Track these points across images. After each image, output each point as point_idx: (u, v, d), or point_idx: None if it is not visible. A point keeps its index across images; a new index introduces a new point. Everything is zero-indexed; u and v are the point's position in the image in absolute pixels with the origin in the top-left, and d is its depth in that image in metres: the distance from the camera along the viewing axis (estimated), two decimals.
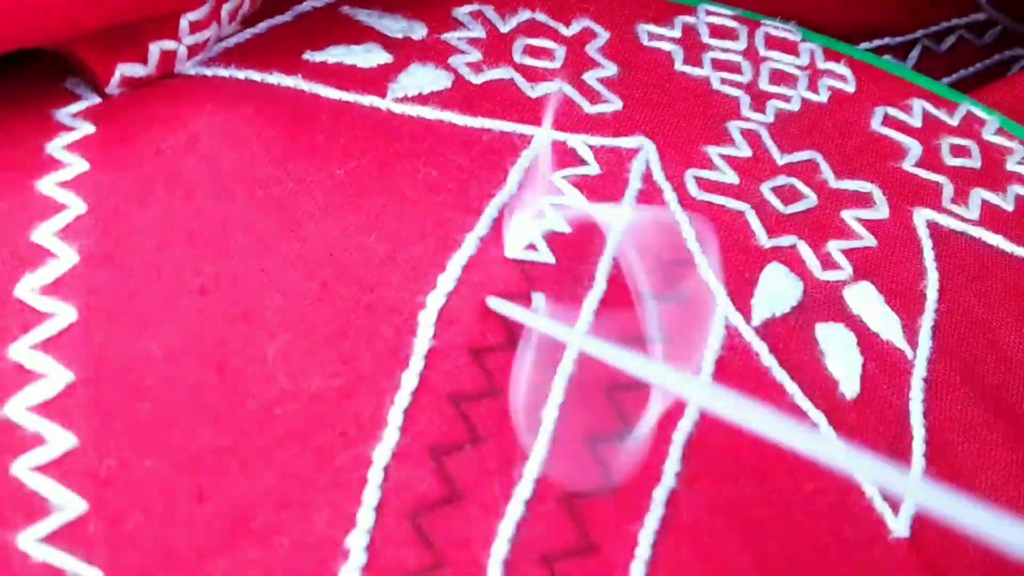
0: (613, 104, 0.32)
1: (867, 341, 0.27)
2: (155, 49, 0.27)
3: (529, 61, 0.32)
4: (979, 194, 0.31)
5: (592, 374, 0.24)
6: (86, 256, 0.24)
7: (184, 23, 0.28)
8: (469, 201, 0.26)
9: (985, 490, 0.26)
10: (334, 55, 0.29)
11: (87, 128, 0.26)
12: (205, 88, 0.28)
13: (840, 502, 0.24)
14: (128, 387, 0.22)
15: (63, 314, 0.23)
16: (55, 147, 0.26)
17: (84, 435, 0.21)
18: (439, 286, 0.24)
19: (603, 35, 0.34)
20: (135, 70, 0.27)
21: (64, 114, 0.27)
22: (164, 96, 0.27)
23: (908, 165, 0.31)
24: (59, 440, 0.21)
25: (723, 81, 0.33)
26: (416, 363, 0.23)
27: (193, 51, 0.28)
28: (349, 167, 0.26)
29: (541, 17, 0.34)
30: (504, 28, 0.33)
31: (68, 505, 0.20)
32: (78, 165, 0.25)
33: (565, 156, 0.29)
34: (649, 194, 0.29)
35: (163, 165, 0.25)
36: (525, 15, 0.34)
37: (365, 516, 0.21)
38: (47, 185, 0.25)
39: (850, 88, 0.33)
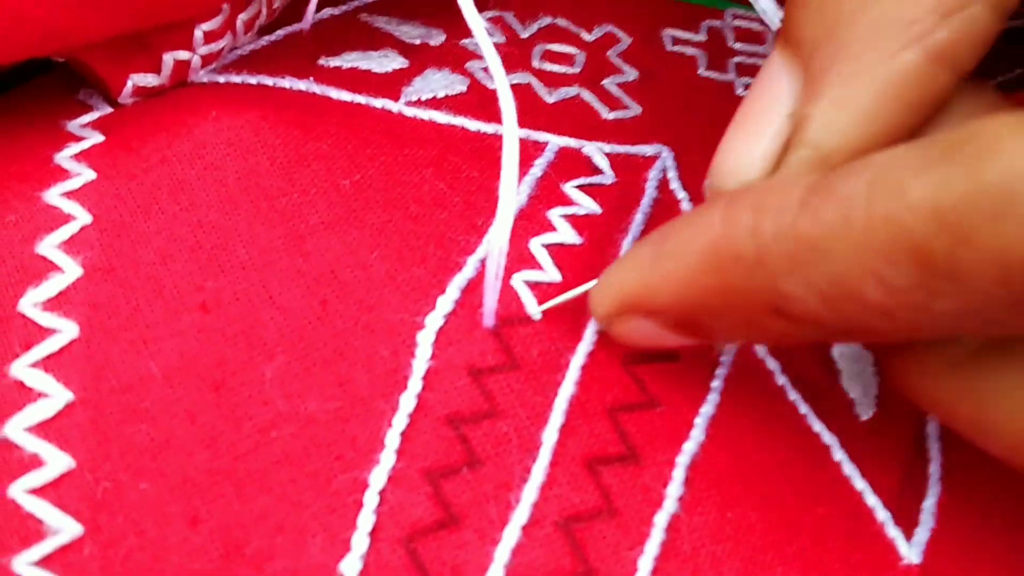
0: (632, 110, 0.31)
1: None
2: (168, 59, 0.27)
3: (548, 66, 0.32)
4: None
5: (594, 395, 0.23)
6: (90, 269, 0.23)
7: (198, 33, 0.27)
8: (474, 218, 0.26)
9: (1002, 515, 0.25)
10: (349, 60, 0.29)
11: (96, 138, 0.26)
12: (215, 94, 0.28)
13: (850, 528, 0.23)
14: (126, 408, 0.22)
15: (65, 330, 0.22)
16: (63, 157, 0.26)
17: (81, 457, 0.21)
18: (438, 308, 0.23)
19: (625, 40, 0.33)
20: (148, 80, 0.27)
21: (75, 125, 0.27)
22: (174, 103, 0.27)
23: None
24: (57, 462, 0.21)
25: (747, 87, 0.32)
26: (414, 385, 0.22)
27: (207, 60, 0.28)
28: (355, 178, 0.25)
29: (562, 22, 0.33)
30: (524, 34, 0.33)
31: (64, 528, 0.20)
32: (85, 175, 0.25)
33: (579, 164, 0.29)
34: (665, 203, 0.28)
35: (168, 174, 0.25)
36: (546, 20, 0.33)
37: (360, 541, 0.20)
38: (53, 196, 0.25)
39: None
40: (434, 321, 0.23)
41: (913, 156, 0.18)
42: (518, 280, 0.24)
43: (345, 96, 0.28)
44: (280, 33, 0.31)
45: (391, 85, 0.29)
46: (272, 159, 0.26)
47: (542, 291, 0.25)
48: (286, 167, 0.25)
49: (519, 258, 0.25)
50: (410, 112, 0.28)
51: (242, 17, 0.28)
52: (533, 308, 0.24)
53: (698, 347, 0.24)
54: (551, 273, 0.25)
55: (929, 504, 0.24)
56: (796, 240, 0.19)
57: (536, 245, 0.25)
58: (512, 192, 0.22)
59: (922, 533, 0.24)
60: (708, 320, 0.21)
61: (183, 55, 0.27)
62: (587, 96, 0.31)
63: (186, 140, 0.26)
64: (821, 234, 0.18)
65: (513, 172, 0.22)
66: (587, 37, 0.33)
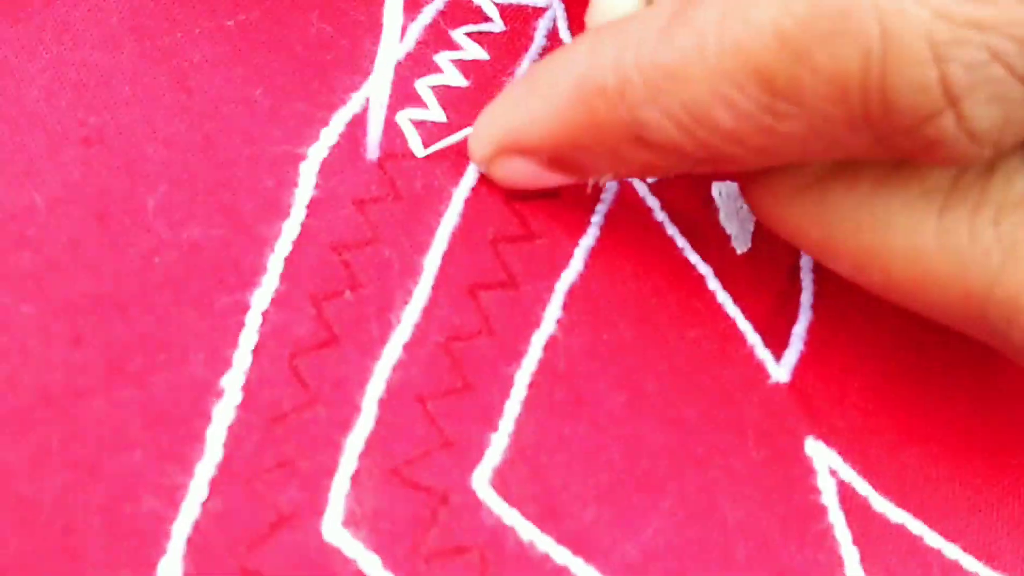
0: None
1: None
2: None
3: None
4: None
5: (477, 227, 0.24)
6: None
7: None
8: (360, 60, 0.26)
9: (869, 340, 0.26)
10: None
11: None
12: None
13: (722, 349, 0.24)
14: (10, 236, 0.22)
15: None
16: None
17: None
18: (322, 139, 0.24)
19: None
20: None
21: None
22: None
23: None
24: None
25: None
26: (298, 213, 0.23)
27: None
28: (239, 19, 0.25)
29: None
30: None
31: None
32: None
33: (469, 12, 0.29)
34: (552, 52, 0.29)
35: (52, 16, 0.25)
36: None
37: (241, 358, 0.21)
38: None
39: None
40: (317, 152, 0.23)
41: None
42: (403, 117, 0.25)
43: None
44: None
45: None
46: (156, 1, 0.25)
47: (427, 130, 0.25)
48: (170, 9, 0.25)
49: (405, 97, 0.25)
50: None
51: None
52: (417, 147, 0.25)
53: (575, 186, 0.24)
54: (436, 113, 0.25)
55: (799, 329, 0.26)
56: (654, 69, 0.19)
57: (422, 86, 0.26)
58: (396, 23, 0.22)
59: (791, 355, 0.25)
60: (579, 155, 0.22)
61: None
62: None
63: None
64: (676, 62, 0.19)
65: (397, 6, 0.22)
66: None
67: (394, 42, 0.22)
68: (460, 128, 0.25)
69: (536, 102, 0.22)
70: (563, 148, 0.22)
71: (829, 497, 0.23)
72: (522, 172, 0.23)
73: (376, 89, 0.23)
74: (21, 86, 0.24)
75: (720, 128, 0.19)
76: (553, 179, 0.23)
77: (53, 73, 0.24)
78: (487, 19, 0.29)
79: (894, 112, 0.18)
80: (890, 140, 0.19)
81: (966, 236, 0.20)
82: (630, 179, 0.26)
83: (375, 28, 0.27)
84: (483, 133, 0.23)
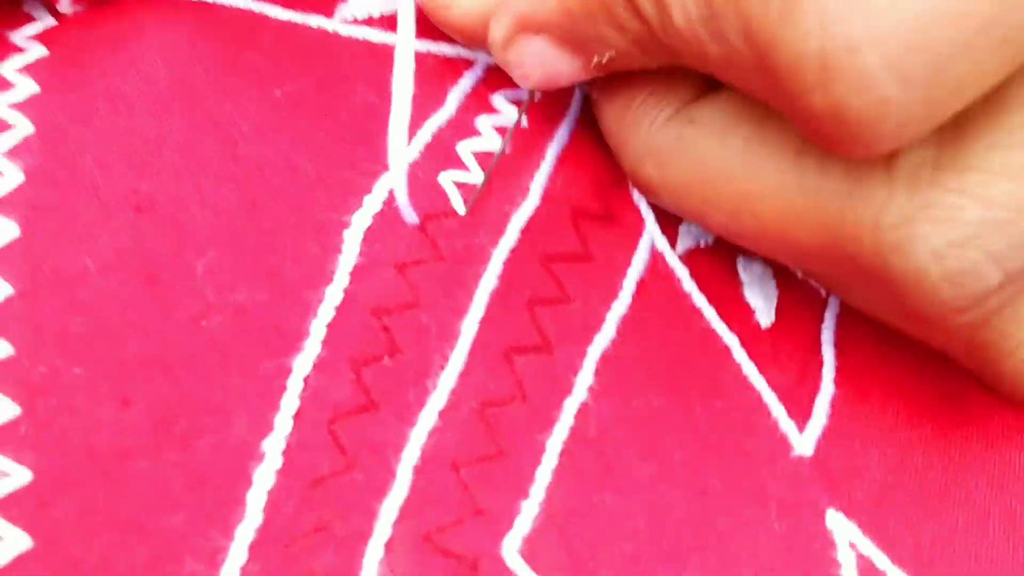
0: None
1: (784, 276, 0.27)
2: None
3: None
4: None
5: (514, 289, 0.24)
6: (30, 174, 0.24)
7: None
8: None
9: (889, 413, 0.26)
10: None
11: (40, 51, 0.27)
12: (153, 8, 0.28)
13: (746, 420, 0.25)
14: (63, 300, 0.22)
15: (6, 230, 0.23)
16: (7, 69, 0.26)
17: (19, 344, 0.22)
18: (365, 207, 0.24)
19: None
20: None
21: (19, 36, 0.27)
22: (114, 16, 0.28)
23: None
24: None
25: None
26: (341, 279, 0.23)
27: None
28: (286, 89, 0.26)
29: None
30: None
31: (1, 409, 0.21)
32: (29, 87, 0.26)
33: (508, 78, 0.29)
34: (592, 115, 0.29)
35: (106, 87, 0.26)
36: None
37: (283, 422, 0.21)
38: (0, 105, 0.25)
39: None
40: (361, 220, 0.24)
41: None
42: (445, 179, 0.25)
43: (281, 14, 0.29)
44: None
45: (326, 1, 0.30)
46: (206, 72, 0.26)
47: (468, 190, 0.26)
48: (219, 79, 0.26)
49: (447, 160, 0.26)
50: (345, 31, 0.29)
51: None
52: (459, 205, 0.25)
53: (607, 247, 0.25)
54: (477, 175, 0.26)
55: (821, 402, 0.26)
56: None
57: (463, 149, 0.26)
58: (407, 81, 0.23)
59: (814, 428, 0.25)
60: (585, 25, 0.23)
61: None
62: None
63: (123, 54, 0.26)
64: None
65: (408, 66, 0.23)
66: None
67: (405, 107, 0.23)
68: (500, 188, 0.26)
69: None
70: (574, 15, 0.23)
71: (849, 570, 0.24)
72: (539, 56, 0.24)
73: (394, 156, 0.23)
74: (75, 154, 0.24)
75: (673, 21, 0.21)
76: (564, 65, 0.24)
77: (106, 141, 0.25)
78: None
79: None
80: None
81: (817, 172, 0.21)
82: (666, 251, 0.27)
83: (416, 94, 0.28)
84: (503, 17, 0.24)
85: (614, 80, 0.25)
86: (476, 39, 0.25)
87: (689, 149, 0.23)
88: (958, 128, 0.20)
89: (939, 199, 0.20)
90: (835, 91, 0.18)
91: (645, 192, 0.25)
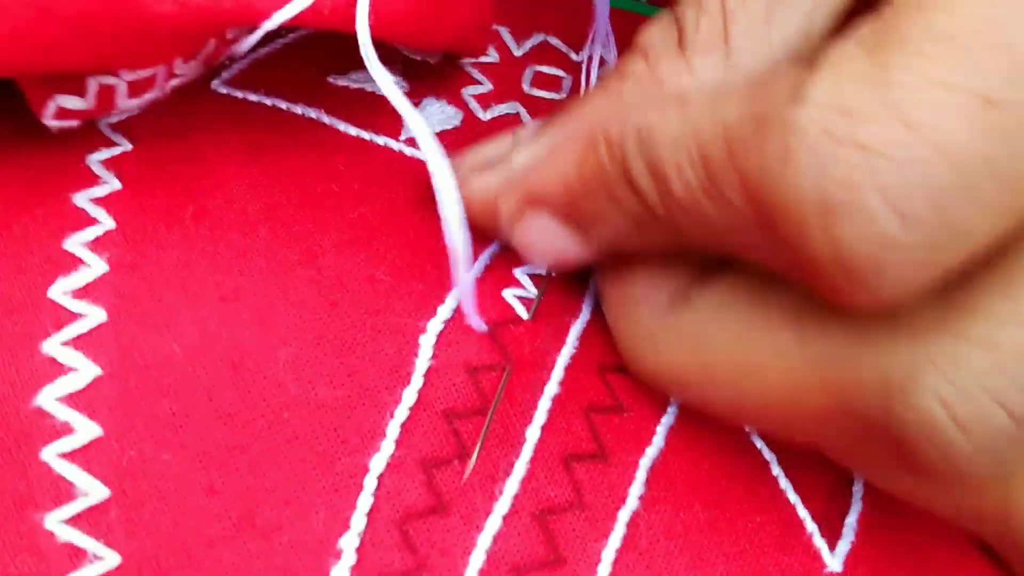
0: None
1: None
2: (93, 83, 0.26)
3: (537, 92, 0.34)
4: None
5: (573, 396, 0.26)
6: (115, 266, 0.25)
7: None
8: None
9: (917, 530, 0.28)
10: (356, 80, 0.31)
11: (125, 146, 0.27)
12: (234, 120, 0.29)
13: (783, 535, 0.26)
14: (150, 383, 0.23)
15: (93, 315, 0.24)
16: (93, 161, 0.27)
17: (108, 426, 0.23)
18: (438, 315, 0.25)
19: (612, 61, 0.35)
20: (73, 103, 0.25)
21: (105, 125, 0.28)
22: (198, 127, 0.28)
23: None
24: (86, 430, 0.22)
25: None
26: (416, 380, 0.24)
27: (134, 87, 0.26)
28: (362, 211, 0.27)
29: (554, 40, 0.35)
30: (518, 52, 0.34)
31: (92, 491, 0.22)
32: (112, 183, 0.27)
33: None
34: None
35: (192, 200, 0.26)
36: (539, 38, 0.35)
37: (358, 520, 0.22)
38: (82, 199, 0.26)
39: None
40: (435, 326, 0.25)
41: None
42: (509, 295, 0.27)
43: (352, 131, 0.30)
44: (293, 36, 0.32)
45: (393, 117, 0.30)
46: (289, 198, 0.27)
47: (530, 303, 0.27)
48: (301, 202, 0.27)
49: (507, 281, 0.27)
50: (408, 151, 0.30)
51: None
52: (523, 312, 0.26)
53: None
54: (533, 292, 0.27)
55: (851, 520, 0.27)
56: (644, 129, 0.22)
57: (519, 273, 0.28)
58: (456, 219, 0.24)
59: (844, 545, 0.27)
60: (587, 202, 0.24)
61: (108, 80, 0.26)
62: None
63: (209, 178, 0.27)
64: (656, 126, 0.22)
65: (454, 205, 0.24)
66: (575, 58, 0.35)
67: (456, 216, 0.24)
68: (558, 302, 0.27)
69: (555, 157, 0.24)
70: (575, 192, 0.24)
71: None
72: (544, 233, 0.25)
73: (458, 264, 0.24)
74: (160, 251, 0.25)
75: (674, 193, 0.21)
76: (569, 243, 0.25)
77: (191, 242, 0.25)
78: None
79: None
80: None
81: (819, 338, 0.21)
82: None
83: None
84: (509, 190, 0.25)
85: (613, 267, 0.26)
86: (487, 220, 0.26)
87: (688, 332, 0.24)
88: (963, 279, 0.20)
89: (945, 347, 0.19)
90: (837, 230, 0.18)
91: (642, 379, 0.26)
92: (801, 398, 0.22)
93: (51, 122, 0.25)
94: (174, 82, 0.27)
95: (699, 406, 0.25)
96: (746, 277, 0.23)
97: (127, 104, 0.27)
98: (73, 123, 0.26)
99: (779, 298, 0.22)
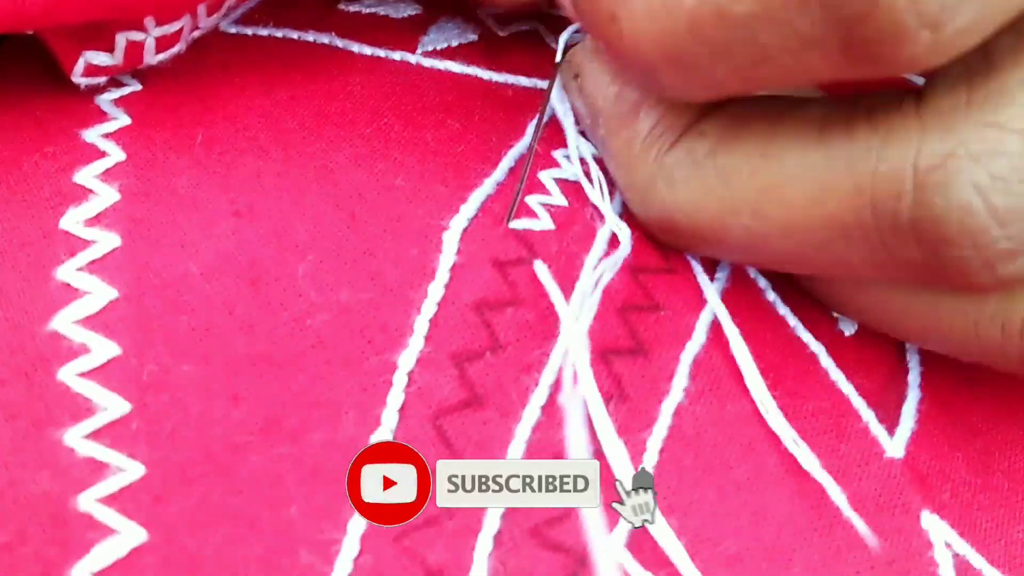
0: None
1: None
2: (121, 39, 0.25)
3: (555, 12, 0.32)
4: None
5: (607, 295, 0.24)
6: (126, 193, 0.24)
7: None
8: (488, 151, 0.26)
9: (974, 417, 0.26)
10: (368, 6, 0.30)
11: (135, 86, 0.27)
12: (244, 56, 0.28)
13: (838, 424, 0.24)
14: (168, 302, 0.22)
15: (106, 240, 0.23)
16: (103, 100, 0.26)
17: (126, 345, 0.21)
18: (462, 212, 0.24)
19: None
20: (101, 59, 0.25)
21: (104, 100, 0.27)
22: (208, 65, 0.27)
23: None
24: (103, 349, 0.21)
25: None
26: (442, 276, 0.23)
27: (162, 43, 0.26)
28: (377, 125, 0.26)
29: None
30: None
31: (111, 406, 0.20)
32: (122, 119, 0.26)
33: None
34: None
35: (202, 128, 0.25)
36: None
37: (389, 417, 0.21)
38: (92, 135, 0.25)
39: None
40: (458, 223, 0.24)
41: None
42: (534, 201, 0.25)
43: (366, 50, 0.29)
44: None
45: (408, 35, 0.30)
46: (301, 122, 0.26)
47: (553, 209, 0.26)
48: (311, 124, 0.26)
49: (532, 186, 0.26)
50: (427, 63, 0.29)
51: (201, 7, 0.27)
52: (548, 221, 0.25)
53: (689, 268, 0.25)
54: (559, 199, 0.26)
55: (909, 407, 0.25)
56: None
57: (546, 177, 0.26)
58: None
59: (903, 432, 0.25)
60: None
61: (136, 36, 0.26)
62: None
63: (219, 111, 0.26)
64: None
65: None
66: None
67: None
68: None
69: None
70: None
71: (946, 570, 0.23)
72: None
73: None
74: (171, 177, 0.24)
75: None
76: None
77: (203, 168, 0.24)
78: None
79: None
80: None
81: (843, 140, 0.20)
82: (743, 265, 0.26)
83: (499, 125, 0.27)
84: None
85: (616, 116, 0.24)
86: None
87: (702, 160, 0.22)
88: (987, 66, 0.19)
89: (977, 135, 0.18)
90: None
91: (654, 227, 0.24)
92: (826, 209, 0.20)
93: (79, 79, 0.25)
94: (196, 34, 0.27)
95: (712, 247, 0.24)
96: (759, 99, 0.22)
97: (153, 60, 0.26)
98: (101, 80, 0.26)
99: (799, 110, 0.21)
